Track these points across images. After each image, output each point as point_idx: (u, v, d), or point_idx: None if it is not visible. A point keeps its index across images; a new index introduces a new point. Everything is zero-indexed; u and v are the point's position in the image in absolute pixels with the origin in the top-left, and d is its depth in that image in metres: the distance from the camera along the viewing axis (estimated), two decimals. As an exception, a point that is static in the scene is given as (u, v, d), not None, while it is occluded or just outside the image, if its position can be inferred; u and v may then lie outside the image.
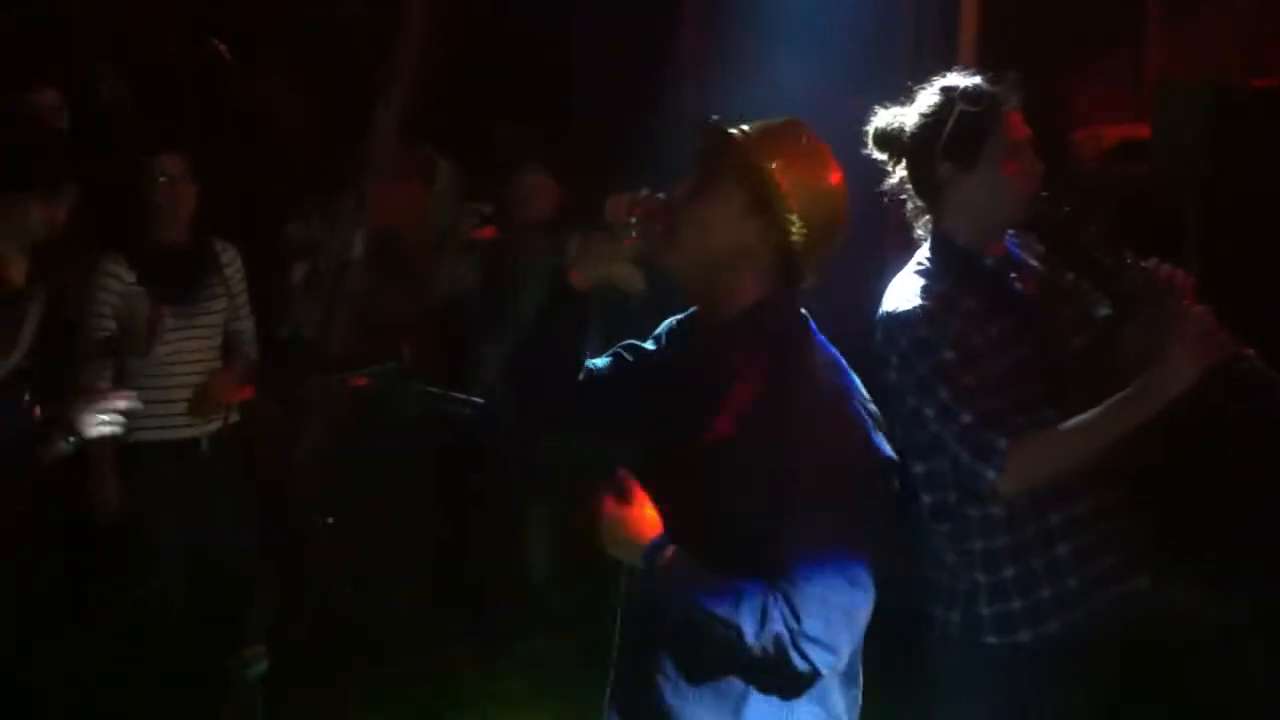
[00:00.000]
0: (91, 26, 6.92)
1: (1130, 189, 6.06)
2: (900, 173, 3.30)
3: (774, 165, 2.54)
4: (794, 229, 2.54)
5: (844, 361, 2.60)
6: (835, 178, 2.61)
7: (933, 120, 3.21)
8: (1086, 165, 6.43)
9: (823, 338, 2.62)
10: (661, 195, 2.66)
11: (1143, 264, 3.08)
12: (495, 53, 7.11)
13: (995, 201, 3.21)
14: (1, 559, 4.40)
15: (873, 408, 2.57)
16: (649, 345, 2.85)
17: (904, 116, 3.27)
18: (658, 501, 2.51)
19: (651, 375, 2.79)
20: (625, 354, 2.85)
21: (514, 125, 6.75)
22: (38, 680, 4.81)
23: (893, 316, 3.15)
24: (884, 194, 3.32)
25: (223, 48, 6.84)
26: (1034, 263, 3.33)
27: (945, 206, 3.25)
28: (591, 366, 2.83)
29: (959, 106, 3.17)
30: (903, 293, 3.19)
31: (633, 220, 2.65)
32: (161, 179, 4.89)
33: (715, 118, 2.64)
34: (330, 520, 5.43)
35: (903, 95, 3.27)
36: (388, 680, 5.35)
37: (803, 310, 2.64)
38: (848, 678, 2.59)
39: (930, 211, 3.29)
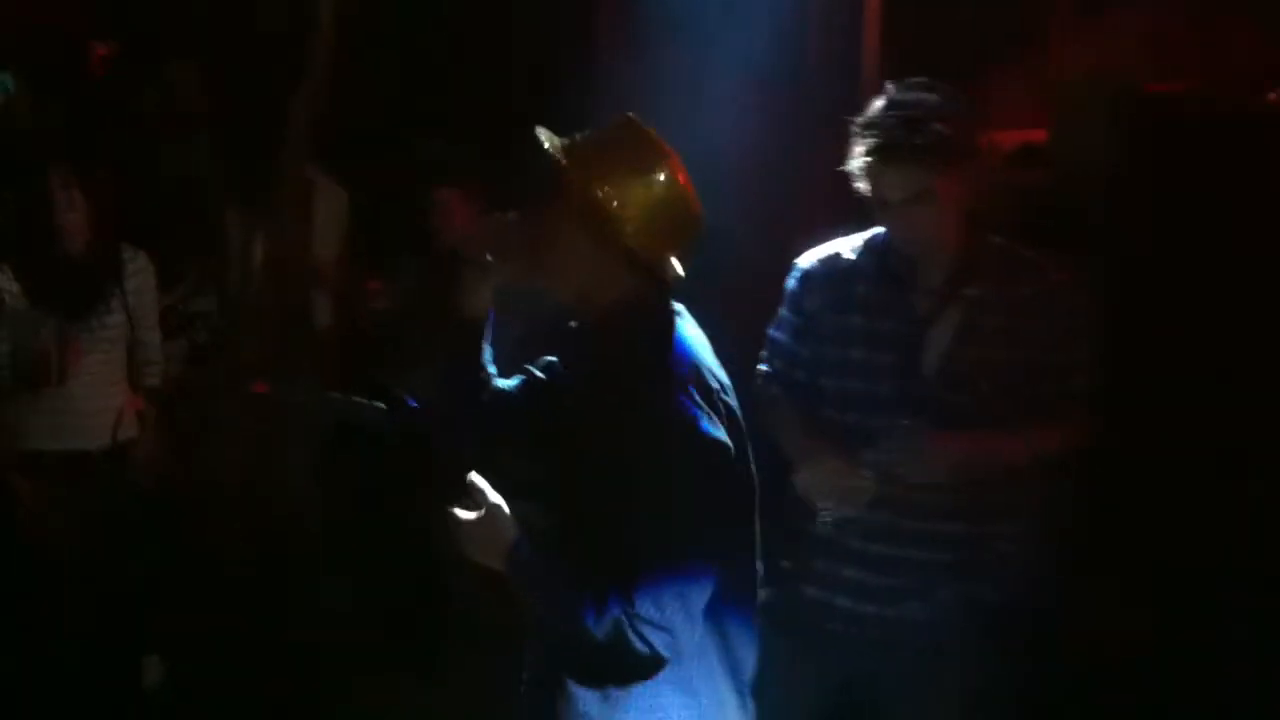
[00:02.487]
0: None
1: (1030, 194, 6.11)
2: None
3: (597, 178, 2.62)
4: (629, 234, 2.62)
5: (700, 354, 2.69)
6: (668, 174, 2.67)
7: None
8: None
9: (685, 331, 2.71)
10: (512, 216, 2.75)
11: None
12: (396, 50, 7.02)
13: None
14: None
15: (727, 399, 2.68)
16: (552, 359, 2.97)
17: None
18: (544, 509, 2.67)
19: (550, 390, 2.92)
20: (534, 371, 2.98)
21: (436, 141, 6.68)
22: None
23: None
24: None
25: (108, 49, 6.73)
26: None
27: None
28: (501, 386, 2.98)
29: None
30: (821, 248, 3.46)
31: (490, 250, 2.75)
32: (48, 188, 4.80)
33: (544, 134, 2.71)
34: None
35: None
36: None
37: (673, 305, 2.74)
38: (714, 668, 2.70)
39: None
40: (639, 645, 2.51)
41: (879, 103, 3.28)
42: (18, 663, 4.87)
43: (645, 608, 2.49)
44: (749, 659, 2.80)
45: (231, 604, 5.57)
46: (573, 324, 2.84)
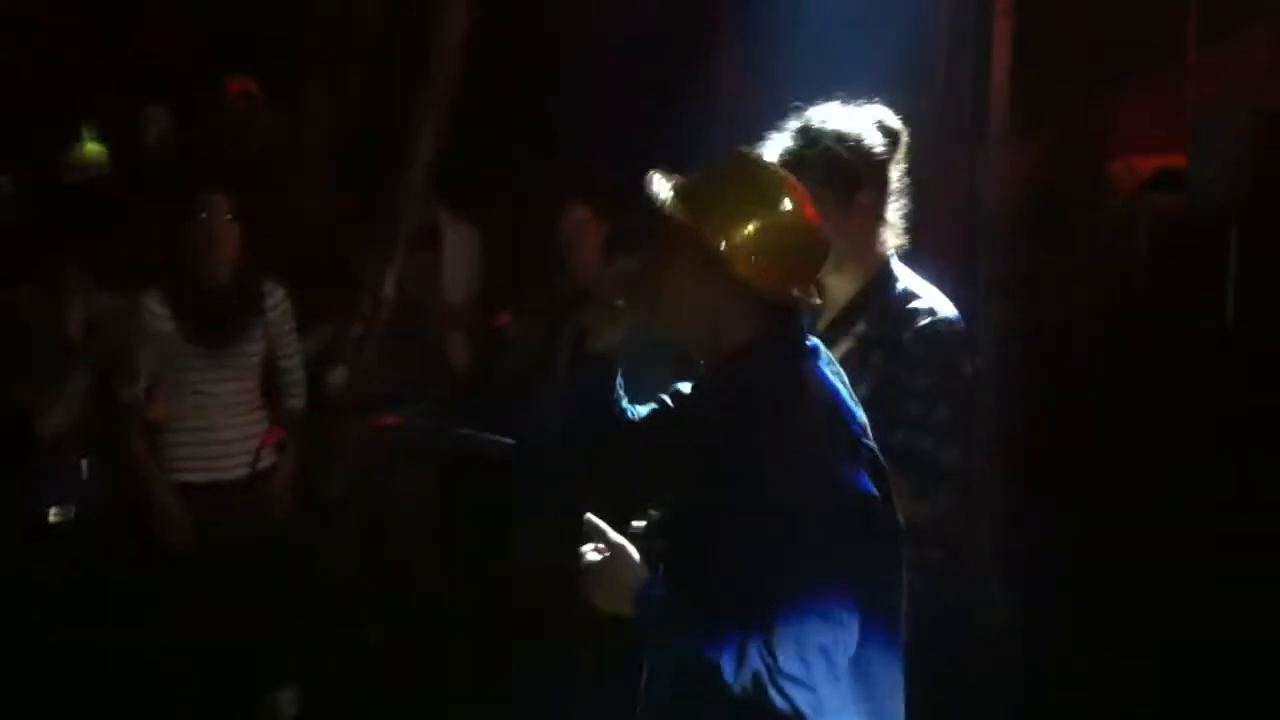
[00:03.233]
0: (139, 67, 6.97)
1: (1165, 219, 6.02)
2: None
3: (715, 221, 2.54)
4: (753, 276, 2.53)
5: (839, 393, 2.59)
6: (790, 205, 2.58)
7: None
8: (1122, 196, 6.38)
9: (822, 369, 2.61)
10: (635, 260, 2.70)
11: None
12: (515, 84, 7.08)
13: None
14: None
15: (868, 442, 2.57)
16: (685, 389, 2.88)
17: None
18: (670, 547, 2.58)
19: (678, 423, 2.83)
20: (666, 400, 2.90)
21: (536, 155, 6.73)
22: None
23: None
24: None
25: (255, 88, 6.86)
26: None
27: None
28: (634, 416, 2.90)
29: None
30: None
31: (619, 294, 2.71)
32: (202, 217, 4.90)
33: (659, 177, 2.63)
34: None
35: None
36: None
37: (809, 341, 2.64)
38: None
39: None
40: (779, 702, 2.43)
41: (792, 121, 3.14)
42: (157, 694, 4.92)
43: (789, 662, 2.40)
44: (895, 711, 2.67)
45: (359, 637, 5.64)
46: (702, 372, 2.74)
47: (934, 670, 2.90)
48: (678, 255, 2.59)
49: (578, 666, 5.37)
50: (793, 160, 3.02)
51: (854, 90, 3.22)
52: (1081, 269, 6.15)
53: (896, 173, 3.20)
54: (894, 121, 3.15)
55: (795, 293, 2.59)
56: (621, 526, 2.72)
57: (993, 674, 4.70)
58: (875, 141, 3.12)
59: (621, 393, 2.92)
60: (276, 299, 5.11)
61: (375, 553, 5.67)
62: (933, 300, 3.17)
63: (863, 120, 3.11)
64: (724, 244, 2.53)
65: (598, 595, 2.58)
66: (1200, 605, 5.00)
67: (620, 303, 2.77)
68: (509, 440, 5.11)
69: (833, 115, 3.13)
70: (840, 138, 3.09)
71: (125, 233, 5.65)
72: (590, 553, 2.60)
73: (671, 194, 2.60)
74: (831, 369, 2.64)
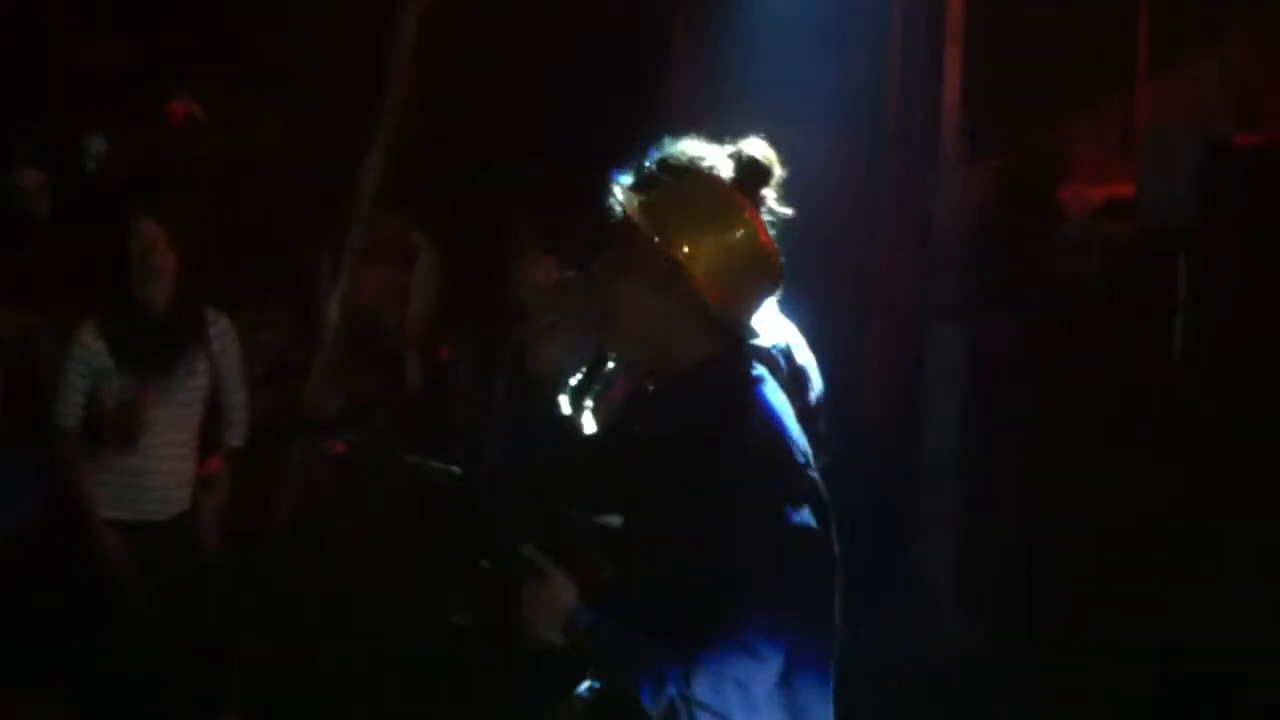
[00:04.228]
0: (72, 93, 6.88)
1: (1115, 246, 6.05)
2: None
3: (671, 235, 2.51)
4: (708, 292, 2.50)
5: (784, 422, 2.55)
6: (746, 229, 2.55)
7: None
8: (1072, 222, 6.41)
9: (768, 396, 2.57)
10: (575, 274, 2.65)
11: None
12: (478, 98, 7.05)
13: None
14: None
15: (810, 472, 2.53)
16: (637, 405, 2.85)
17: None
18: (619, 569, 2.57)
19: (627, 441, 2.79)
20: (613, 425, 2.90)
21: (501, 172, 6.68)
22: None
23: None
24: None
25: (198, 107, 6.78)
26: None
27: None
28: (580, 440, 2.91)
29: None
30: None
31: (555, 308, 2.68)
32: (137, 246, 4.75)
33: (618, 190, 2.58)
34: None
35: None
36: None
37: (755, 366, 2.60)
38: None
39: None
40: None
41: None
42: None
43: (704, 691, 2.39)
44: None
45: (304, 660, 5.57)
46: (650, 387, 2.69)
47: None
48: (634, 266, 2.55)
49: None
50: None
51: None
52: (1032, 295, 6.17)
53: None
54: (763, 154, 2.90)
55: (744, 316, 2.58)
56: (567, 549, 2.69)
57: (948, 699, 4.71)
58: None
59: (568, 410, 2.91)
60: (220, 328, 4.95)
61: (321, 579, 5.59)
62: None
63: (719, 155, 2.91)
64: (682, 256, 2.50)
65: (531, 619, 2.55)
66: (1159, 626, 5.02)
67: (554, 320, 2.74)
68: (455, 469, 5.06)
69: (689, 150, 2.94)
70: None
71: (44, 255, 5.54)
72: (524, 577, 2.57)
73: (639, 208, 2.56)
74: (777, 396, 2.60)
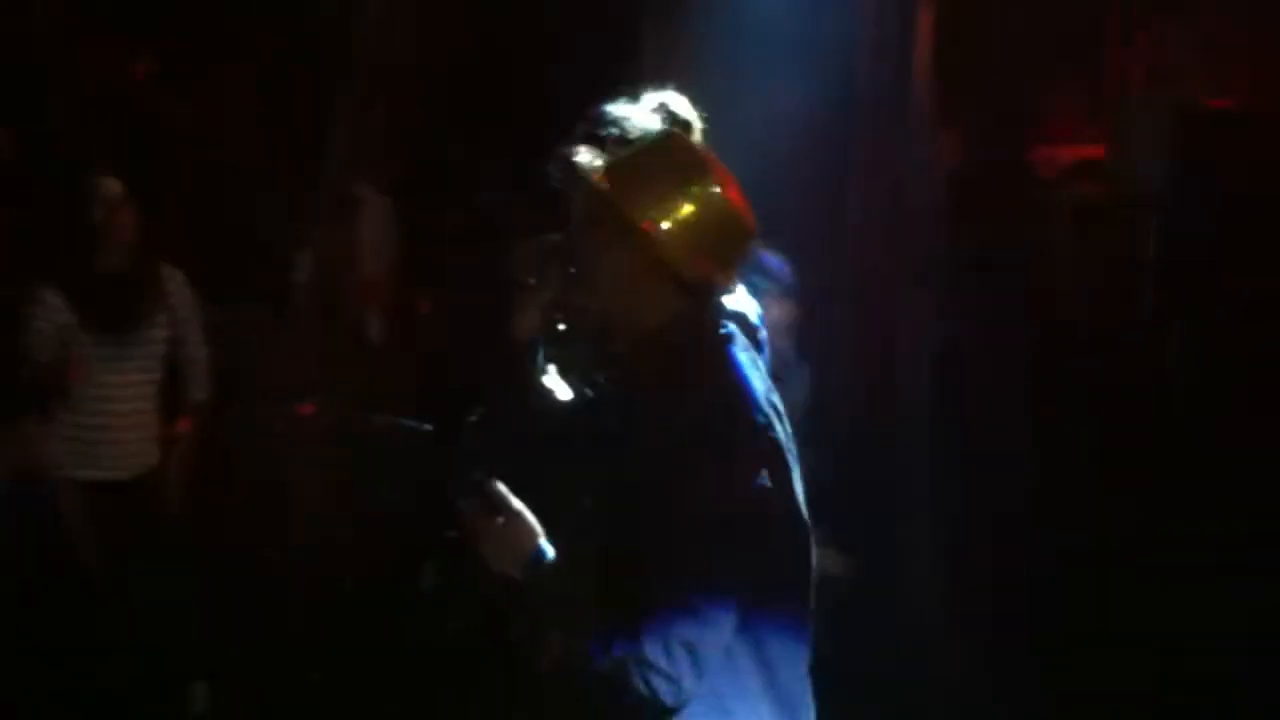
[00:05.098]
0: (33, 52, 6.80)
1: (1086, 209, 6.07)
2: None
3: (640, 197, 2.52)
4: (675, 256, 2.51)
5: (749, 381, 2.55)
6: (716, 190, 2.56)
7: None
8: (1043, 186, 6.42)
9: (735, 354, 2.57)
10: (556, 238, 2.65)
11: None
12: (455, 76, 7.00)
13: None
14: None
15: (773, 432, 2.53)
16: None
17: None
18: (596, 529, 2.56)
19: (597, 406, 2.81)
20: (587, 389, 2.89)
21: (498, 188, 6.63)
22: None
23: None
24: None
25: (147, 67, 6.72)
26: None
27: None
28: (557, 404, 2.91)
29: None
30: None
31: (536, 272, 2.68)
32: (97, 203, 4.76)
33: (586, 152, 2.57)
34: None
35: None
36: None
37: (723, 326, 2.61)
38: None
39: None
40: (641, 688, 2.41)
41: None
42: (58, 691, 4.82)
43: (653, 652, 2.40)
44: (801, 694, 2.65)
45: (273, 628, 5.55)
46: (618, 347, 2.70)
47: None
48: (600, 228, 2.56)
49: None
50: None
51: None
52: (1004, 258, 6.18)
53: None
54: (684, 108, 2.89)
55: (714, 275, 2.58)
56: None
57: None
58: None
59: (547, 376, 2.91)
60: (177, 283, 4.98)
61: (290, 542, 5.57)
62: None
63: (642, 110, 2.72)
64: (646, 218, 2.51)
65: (490, 555, 2.59)
66: (1146, 620, 5.03)
67: (530, 282, 2.73)
68: (427, 427, 5.05)
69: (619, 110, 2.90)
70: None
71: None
72: (487, 515, 2.59)
73: (607, 169, 2.56)
74: (747, 355, 2.61)
